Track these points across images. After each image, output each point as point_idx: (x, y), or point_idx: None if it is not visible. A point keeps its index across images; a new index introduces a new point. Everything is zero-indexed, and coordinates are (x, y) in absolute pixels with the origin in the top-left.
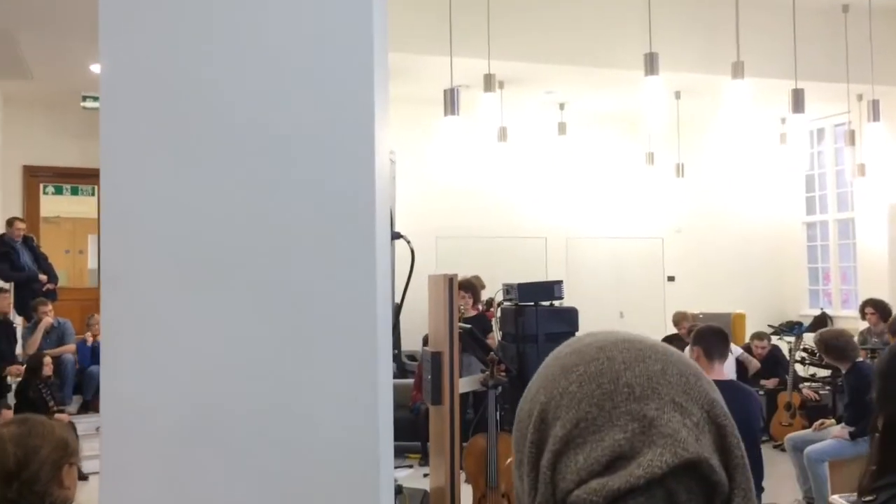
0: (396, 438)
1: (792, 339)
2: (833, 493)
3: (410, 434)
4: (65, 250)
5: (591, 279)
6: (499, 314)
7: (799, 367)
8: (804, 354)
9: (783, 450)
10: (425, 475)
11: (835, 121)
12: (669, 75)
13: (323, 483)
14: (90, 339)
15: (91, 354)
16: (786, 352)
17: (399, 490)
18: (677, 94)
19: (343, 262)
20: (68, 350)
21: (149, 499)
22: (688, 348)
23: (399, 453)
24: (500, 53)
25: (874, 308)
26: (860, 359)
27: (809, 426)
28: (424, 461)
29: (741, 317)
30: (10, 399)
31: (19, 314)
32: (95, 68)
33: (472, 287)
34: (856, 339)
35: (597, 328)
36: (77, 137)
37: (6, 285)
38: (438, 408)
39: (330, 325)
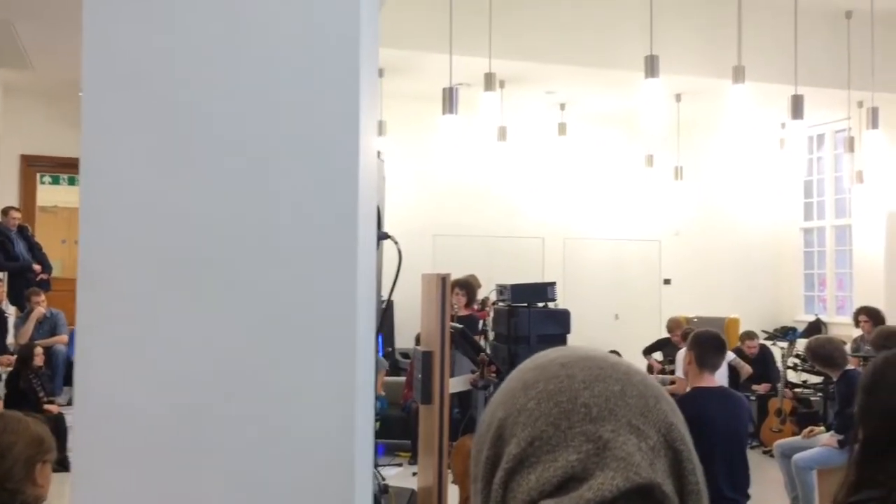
0: (387, 436)
1: (785, 344)
2: (821, 502)
3: (401, 432)
4: (61, 240)
5: (587, 280)
6: (492, 314)
7: (791, 374)
8: (797, 360)
9: (773, 456)
10: (414, 474)
11: (835, 127)
12: (670, 78)
13: (298, 487)
14: None
15: None
16: (779, 357)
17: (385, 489)
18: (678, 97)
19: (323, 263)
20: (60, 341)
21: (121, 499)
22: (682, 351)
23: (389, 451)
24: (501, 52)
25: (868, 316)
26: (851, 367)
27: (800, 433)
28: (415, 460)
29: (735, 322)
30: (1, 389)
31: (12, 304)
32: None
33: (468, 286)
34: (849, 346)
35: (592, 330)
36: (75, 127)
37: (0, 275)
38: (428, 407)
39: (309, 327)
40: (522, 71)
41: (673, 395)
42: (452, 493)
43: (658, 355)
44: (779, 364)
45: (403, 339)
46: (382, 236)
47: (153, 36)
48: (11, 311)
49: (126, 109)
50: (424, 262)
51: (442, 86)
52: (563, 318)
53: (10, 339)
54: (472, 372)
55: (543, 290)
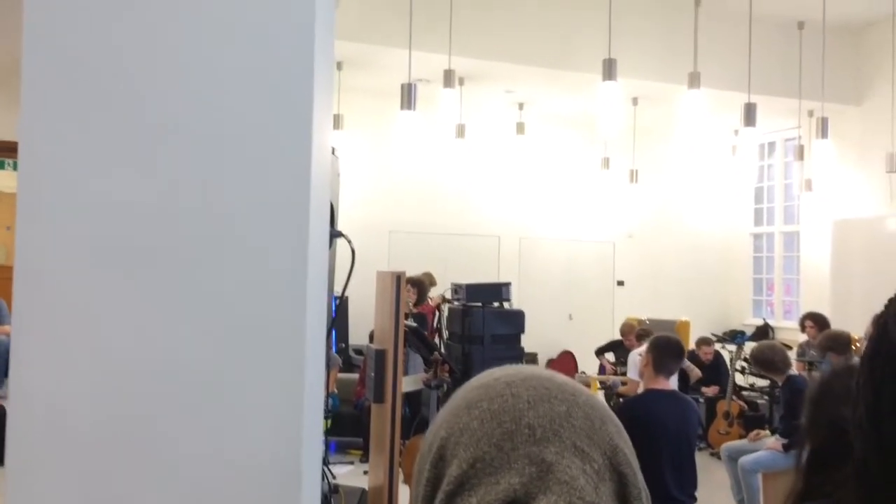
0: (339, 434)
1: (734, 347)
2: None
3: (354, 430)
4: (6, 227)
5: (542, 280)
6: (446, 312)
7: (739, 377)
8: (744, 364)
9: (720, 458)
10: (365, 472)
11: (785, 135)
12: (628, 82)
13: (242, 486)
14: None
15: None
16: (727, 360)
17: (336, 489)
18: (634, 101)
19: (274, 260)
20: (2, 332)
21: (55, 499)
22: (637, 350)
23: (341, 449)
24: (461, 49)
25: (814, 321)
26: (794, 372)
27: (747, 435)
28: (366, 458)
29: (685, 324)
30: None
31: None
32: None
33: (418, 284)
34: (794, 350)
35: (546, 329)
36: (15, 111)
37: None
38: (380, 406)
39: (257, 324)
40: (482, 69)
41: (625, 395)
42: (403, 492)
43: (610, 356)
44: (728, 367)
45: (357, 336)
46: (335, 234)
47: (97, 22)
48: None
49: (68, 96)
50: (380, 258)
51: (401, 81)
52: (517, 318)
53: None
54: (425, 371)
55: (498, 290)
